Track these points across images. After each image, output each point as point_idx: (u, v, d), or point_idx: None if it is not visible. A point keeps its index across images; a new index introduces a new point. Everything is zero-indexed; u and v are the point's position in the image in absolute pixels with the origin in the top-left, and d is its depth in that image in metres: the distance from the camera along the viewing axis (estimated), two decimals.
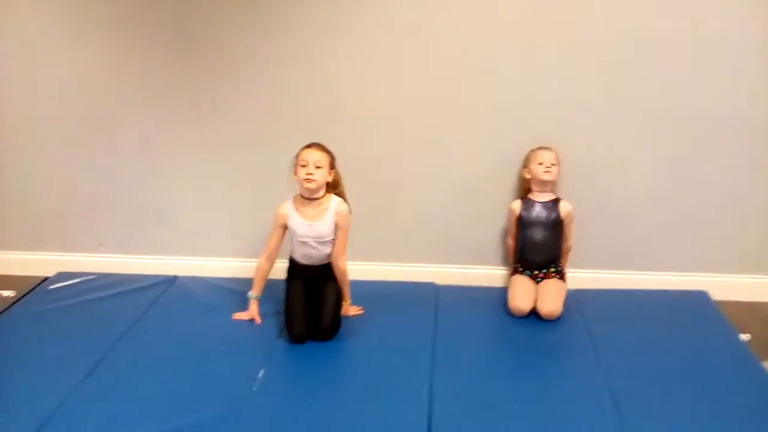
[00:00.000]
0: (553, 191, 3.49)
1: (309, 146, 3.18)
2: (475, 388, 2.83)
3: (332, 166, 3.22)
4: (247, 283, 3.60)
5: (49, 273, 3.86)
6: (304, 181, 3.16)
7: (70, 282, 3.76)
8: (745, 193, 3.53)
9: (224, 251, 3.87)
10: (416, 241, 3.76)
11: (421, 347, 3.11)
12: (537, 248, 3.50)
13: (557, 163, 3.43)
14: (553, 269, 3.51)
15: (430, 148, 3.60)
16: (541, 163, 3.42)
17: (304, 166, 3.15)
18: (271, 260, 3.32)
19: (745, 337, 3.23)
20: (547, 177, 3.41)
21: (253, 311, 3.34)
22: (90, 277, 3.81)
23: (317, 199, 3.22)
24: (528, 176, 3.48)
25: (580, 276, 3.53)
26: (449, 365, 2.98)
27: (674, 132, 3.46)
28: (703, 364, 2.98)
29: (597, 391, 2.79)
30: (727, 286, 3.60)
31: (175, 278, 3.80)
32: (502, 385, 2.87)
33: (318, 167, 3.14)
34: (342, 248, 3.27)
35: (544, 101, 3.47)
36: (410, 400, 2.74)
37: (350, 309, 3.37)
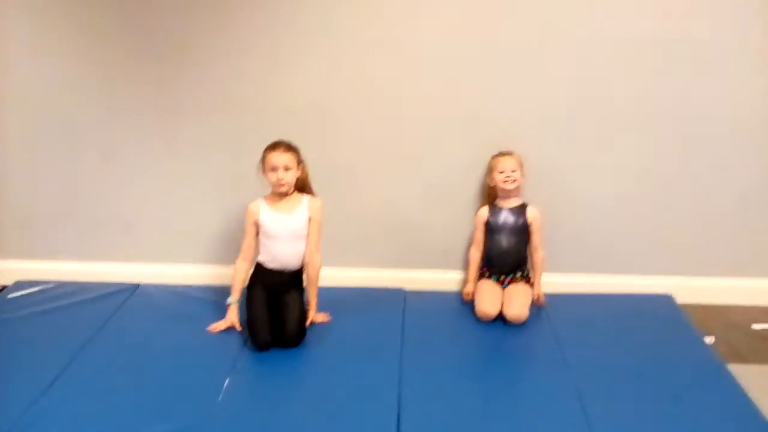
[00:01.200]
0: (518, 197, 3.49)
1: (275, 148, 3.17)
2: (444, 393, 2.82)
3: (299, 161, 3.22)
4: (212, 290, 3.59)
5: (7, 282, 3.77)
6: (276, 186, 3.17)
7: (29, 291, 3.67)
8: (709, 197, 3.57)
9: (188, 258, 3.81)
10: (384, 246, 3.74)
11: (390, 353, 3.09)
12: (504, 254, 3.49)
13: (519, 168, 3.42)
14: (519, 274, 3.51)
15: (397, 153, 3.58)
16: (501, 172, 3.40)
17: (274, 170, 3.14)
18: (248, 261, 3.28)
19: (709, 339, 3.27)
20: (508, 186, 3.41)
21: (233, 317, 3.27)
22: (50, 285, 3.72)
23: (287, 194, 3.23)
24: (491, 184, 3.48)
25: (545, 280, 3.52)
26: (418, 371, 2.96)
27: (639, 136, 3.49)
28: (669, 367, 3.00)
29: (564, 394, 2.80)
30: (691, 290, 3.64)
31: (137, 286, 3.73)
32: (471, 389, 2.86)
33: (288, 169, 3.15)
34: (317, 244, 3.27)
35: (512, 106, 3.47)
36: (379, 406, 2.72)
37: (317, 316, 3.34)
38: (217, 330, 3.26)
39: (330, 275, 3.55)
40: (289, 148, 3.19)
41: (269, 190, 3.26)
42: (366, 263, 3.77)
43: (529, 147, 3.46)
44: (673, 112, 3.45)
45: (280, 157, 3.15)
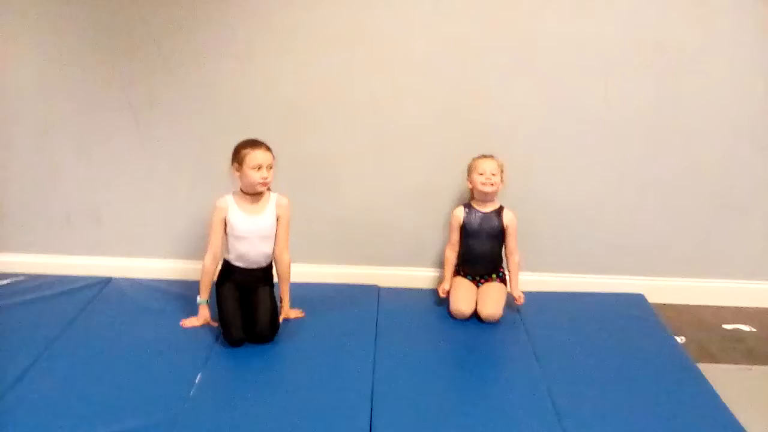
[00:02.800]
0: (495, 201, 3.48)
1: (257, 146, 3.11)
2: (417, 390, 2.82)
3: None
4: (184, 284, 3.57)
5: None
6: (260, 185, 3.12)
7: None
8: (680, 199, 3.61)
9: (160, 252, 3.78)
10: (359, 242, 3.74)
11: (363, 350, 3.09)
12: (479, 259, 3.49)
13: (499, 173, 3.40)
14: (495, 275, 3.52)
15: (374, 150, 3.58)
16: (481, 174, 3.39)
17: (258, 168, 3.09)
18: (217, 259, 3.22)
19: (680, 339, 3.30)
20: (486, 189, 3.39)
21: (206, 316, 3.25)
22: (20, 278, 3.69)
23: (258, 193, 3.18)
24: (470, 185, 3.47)
25: (519, 279, 3.53)
26: (391, 367, 2.97)
27: (612, 138, 3.52)
28: (640, 366, 3.03)
29: (536, 392, 2.82)
30: (662, 290, 3.68)
31: (109, 279, 3.71)
32: (444, 387, 2.87)
33: (270, 168, 3.12)
34: (286, 241, 3.24)
35: (490, 108, 3.48)
36: (351, 403, 2.72)
37: (291, 312, 3.33)
38: (191, 326, 3.24)
39: (304, 272, 3.55)
40: (268, 147, 3.14)
41: (238, 187, 3.22)
42: (340, 260, 3.76)
43: (505, 148, 3.46)
44: (646, 115, 3.48)
45: (264, 156, 3.10)
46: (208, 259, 3.21)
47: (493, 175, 3.38)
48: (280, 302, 3.31)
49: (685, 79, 3.42)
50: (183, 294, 3.50)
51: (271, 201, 3.21)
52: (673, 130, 3.50)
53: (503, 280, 3.52)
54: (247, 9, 3.38)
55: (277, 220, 3.22)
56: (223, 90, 3.50)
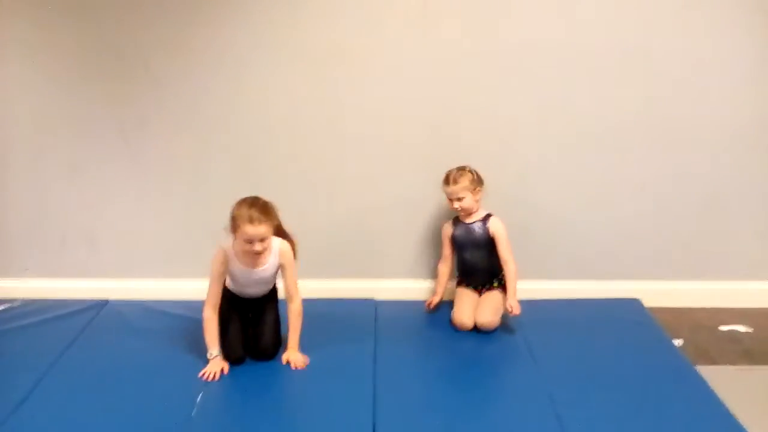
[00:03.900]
0: (480, 210, 3.47)
1: (249, 219, 2.86)
2: (419, 404, 2.82)
3: (274, 222, 2.99)
4: (181, 304, 3.55)
5: None
6: (251, 255, 2.98)
7: None
8: (674, 202, 3.63)
9: (155, 272, 3.78)
10: (354, 256, 3.74)
11: (363, 366, 3.08)
12: (474, 269, 3.51)
13: (468, 191, 3.36)
14: (496, 283, 3.52)
15: (366, 162, 3.59)
16: (450, 200, 3.42)
17: (249, 242, 2.91)
18: (217, 309, 3.05)
19: (677, 342, 3.31)
20: (457, 212, 3.44)
21: (220, 363, 3.03)
22: (16, 303, 3.68)
23: None
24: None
25: (515, 288, 3.53)
26: (392, 383, 2.96)
27: (603, 144, 3.54)
28: (639, 369, 3.04)
29: (537, 400, 2.82)
30: (658, 293, 3.69)
31: (106, 302, 3.69)
32: (445, 397, 2.88)
33: (264, 240, 2.93)
34: (295, 287, 3.11)
35: (480, 116, 3.51)
36: (353, 419, 2.71)
37: (298, 358, 3.08)
38: (208, 374, 2.98)
39: (300, 287, 3.53)
40: (265, 214, 2.90)
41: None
42: (335, 274, 3.76)
43: (498, 155, 3.49)
44: (637, 120, 3.50)
45: (256, 231, 2.88)
46: (208, 311, 3.04)
47: (459, 199, 3.38)
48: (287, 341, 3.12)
49: (677, 83, 3.45)
50: (180, 313, 3.49)
51: (274, 249, 3.07)
52: (665, 134, 3.52)
53: (503, 289, 3.50)
54: (236, 28, 3.39)
55: (281, 267, 3.11)
56: (214, 109, 3.51)
